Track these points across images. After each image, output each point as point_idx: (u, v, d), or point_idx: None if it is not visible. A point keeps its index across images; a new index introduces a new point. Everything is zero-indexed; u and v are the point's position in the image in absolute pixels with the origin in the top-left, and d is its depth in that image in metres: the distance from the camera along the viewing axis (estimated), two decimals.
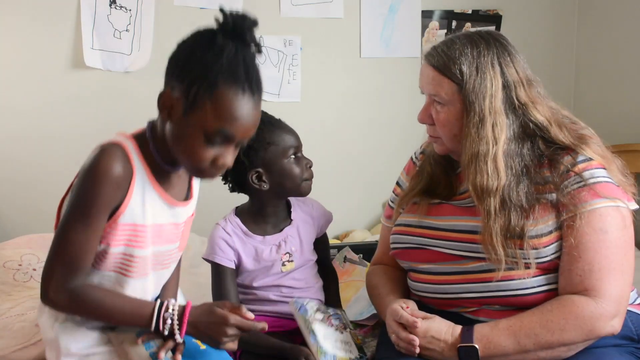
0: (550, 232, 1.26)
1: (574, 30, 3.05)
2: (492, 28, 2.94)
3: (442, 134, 1.36)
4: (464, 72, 1.29)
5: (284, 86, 2.75)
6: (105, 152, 1.13)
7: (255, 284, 1.54)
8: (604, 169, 1.28)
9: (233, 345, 1.21)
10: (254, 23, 1.12)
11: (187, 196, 1.30)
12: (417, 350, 1.27)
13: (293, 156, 1.51)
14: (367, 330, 1.71)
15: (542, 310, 1.23)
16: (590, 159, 1.28)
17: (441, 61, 1.31)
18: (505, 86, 1.29)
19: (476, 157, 1.28)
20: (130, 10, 2.54)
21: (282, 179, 1.50)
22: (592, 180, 1.25)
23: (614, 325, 1.21)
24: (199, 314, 1.21)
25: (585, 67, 3.02)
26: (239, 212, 1.58)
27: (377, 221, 2.88)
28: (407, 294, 1.47)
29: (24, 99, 2.53)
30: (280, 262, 1.54)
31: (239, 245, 1.52)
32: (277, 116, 1.56)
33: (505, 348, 1.22)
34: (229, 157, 1.15)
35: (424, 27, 2.89)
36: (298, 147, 1.53)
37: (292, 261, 1.55)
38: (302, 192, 1.54)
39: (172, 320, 1.18)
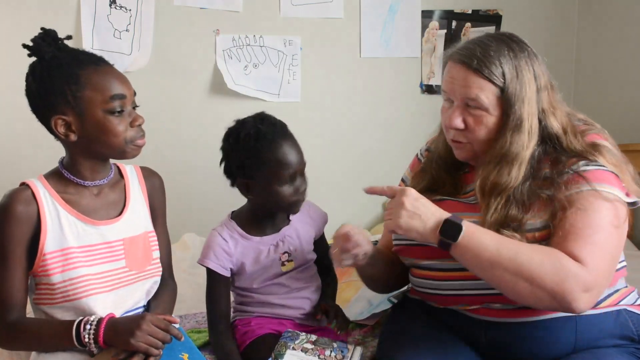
0: (548, 227, 1.24)
1: (574, 30, 3.06)
2: (492, 28, 2.94)
3: (474, 139, 1.32)
4: (506, 75, 1.25)
5: (284, 86, 2.75)
6: (7, 197, 1.28)
7: (255, 285, 1.54)
8: (614, 175, 1.26)
9: (144, 346, 1.22)
10: (48, 30, 1.32)
11: (121, 214, 1.38)
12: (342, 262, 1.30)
13: (288, 182, 1.46)
14: (367, 330, 1.71)
15: (533, 244, 1.21)
16: (600, 165, 1.25)
17: (481, 63, 1.25)
18: (538, 90, 1.28)
19: (504, 158, 1.26)
20: (130, 10, 2.54)
21: (268, 200, 1.48)
22: (595, 182, 1.23)
23: (584, 298, 1.15)
24: (121, 319, 1.28)
25: (585, 67, 3.02)
26: (235, 216, 1.58)
27: (377, 221, 2.88)
28: (405, 274, 1.48)
29: (25, 99, 2.52)
30: (279, 262, 1.54)
31: (237, 248, 1.52)
32: (277, 116, 1.54)
33: (484, 247, 1.18)
34: (136, 114, 1.33)
35: (424, 27, 2.90)
36: (296, 171, 1.47)
37: (291, 261, 1.55)
38: (288, 212, 1.55)
39: (91, 326, 1.24)
